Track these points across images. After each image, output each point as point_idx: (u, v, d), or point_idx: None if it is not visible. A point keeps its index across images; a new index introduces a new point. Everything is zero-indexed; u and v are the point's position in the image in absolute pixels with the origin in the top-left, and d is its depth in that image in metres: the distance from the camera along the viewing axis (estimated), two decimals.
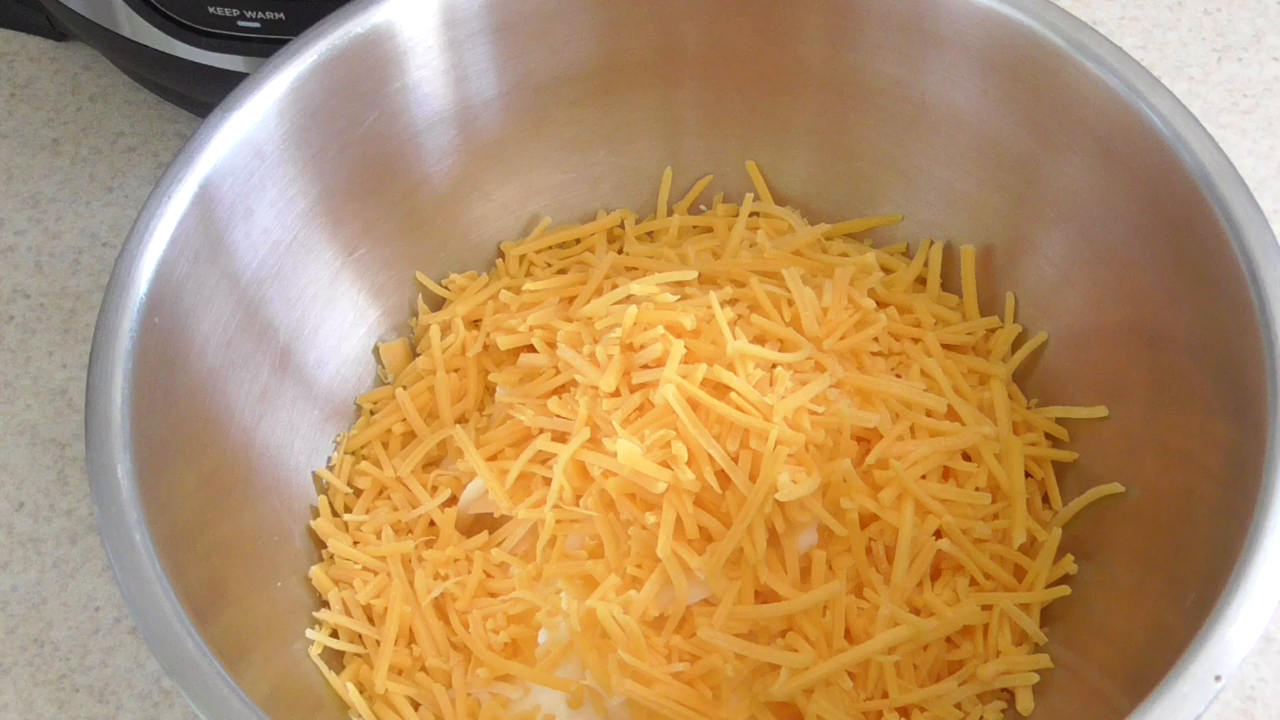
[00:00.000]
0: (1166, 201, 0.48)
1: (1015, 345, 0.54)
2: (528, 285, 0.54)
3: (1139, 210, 0.49)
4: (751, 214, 0.57)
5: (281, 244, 0.50)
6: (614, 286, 0.52)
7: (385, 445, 0.53)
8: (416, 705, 0.48)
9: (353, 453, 0.53)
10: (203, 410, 0.47)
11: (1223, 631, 0.40)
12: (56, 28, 0.68)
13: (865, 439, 0.50)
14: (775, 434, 0.47)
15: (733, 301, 0.51)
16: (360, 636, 0.49)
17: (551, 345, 0.52)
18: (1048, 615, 0.49)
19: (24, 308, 0.62)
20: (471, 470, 0.50)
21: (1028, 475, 0.51)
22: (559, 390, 0.51)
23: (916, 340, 0.53)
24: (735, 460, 0.47)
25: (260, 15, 0.56)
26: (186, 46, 0.58)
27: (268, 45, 0.56)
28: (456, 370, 0.54)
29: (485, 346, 0.54)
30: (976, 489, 0.49)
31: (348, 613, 0.49)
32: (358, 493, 0.52)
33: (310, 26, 0.49)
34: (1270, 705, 0.53)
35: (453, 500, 0.51)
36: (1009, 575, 0.49)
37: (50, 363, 0.60)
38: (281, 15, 0.56)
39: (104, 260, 0.63)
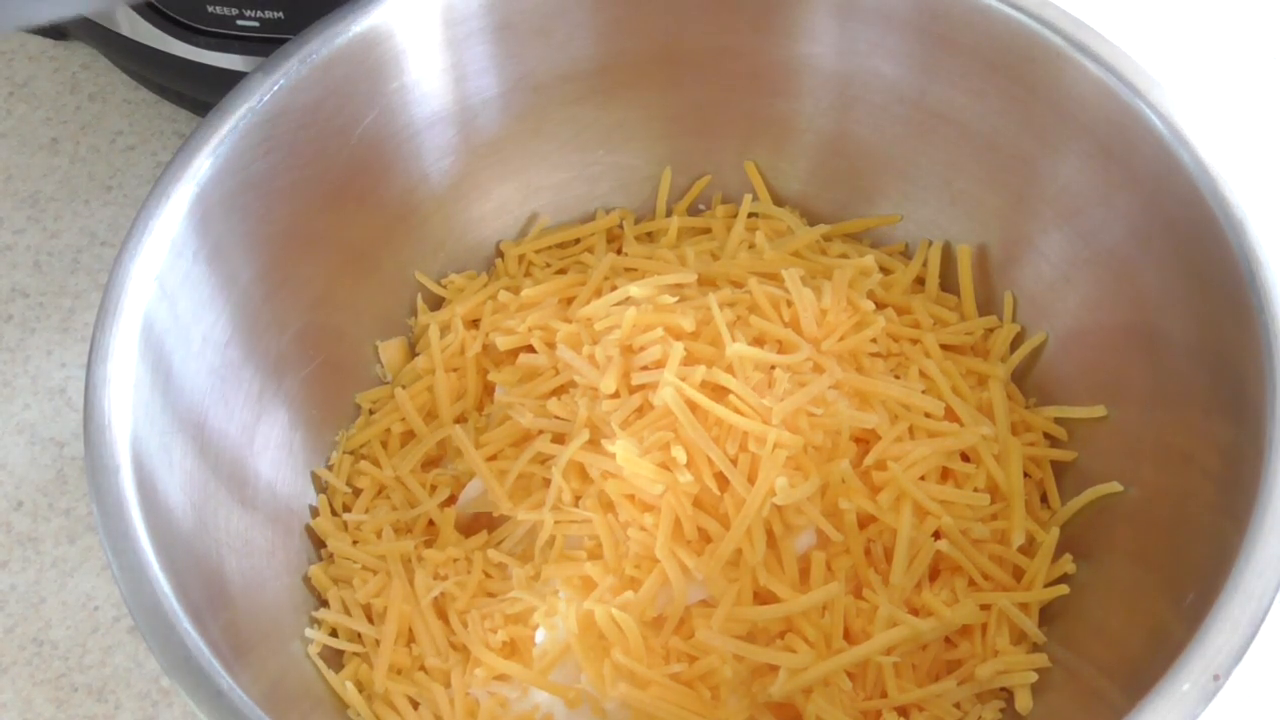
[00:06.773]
0: (1165, 200, 0.48)
1: (1014, 345, 0.54)
2: (526, 290, 0.54)
3: (1138, 209, 0.49)
4: (750, 214, 0.57)
5: (280, 243, 0.50)
6: (613, 287, 0.52)
7: (384, 444, 0.53)
8: (415, 704, 0.48)
9: (352, 452, 0.53)
10: (201, 409, 0.47)
11: (1221, 631, 0.40)
12: (55, 26, 0.68)
13: (864, 440, 0.50)
14: (773, 438, 0.47)
15: (731, 303, 0.51)
16: (359, 636, 0.49)
17: (550, 346, 0.52)
18: (1046, 615, 0.49)
19: (23, 307, 0.62)
20: (470, 470, 0.51)
21: (1026, 475, 0.51)
22: (558, 391, 0.51)
23: (915, 341, 0.53)
24: (734, 463, 0.47)
25: (259, 14, 0.56)
26: (185, 45, 0.58)
27: (266, 44, 0.57)
28: (455, 370, 0.54)
29: (484, 346, 0.54)
30: (975, 489, 0.49)
31: (347, 612, 0.49)
32: (357, 492, 0.52)
33: (309, 25, 0.49)
34: (1269, 705, 0.53)
35: (451, 500, 0.51)
36: (1007, 575, 0.49)
37: (49, 362, 0.60)
38: (280, 14, 0.56)
39: (103, 259, 0.63)
